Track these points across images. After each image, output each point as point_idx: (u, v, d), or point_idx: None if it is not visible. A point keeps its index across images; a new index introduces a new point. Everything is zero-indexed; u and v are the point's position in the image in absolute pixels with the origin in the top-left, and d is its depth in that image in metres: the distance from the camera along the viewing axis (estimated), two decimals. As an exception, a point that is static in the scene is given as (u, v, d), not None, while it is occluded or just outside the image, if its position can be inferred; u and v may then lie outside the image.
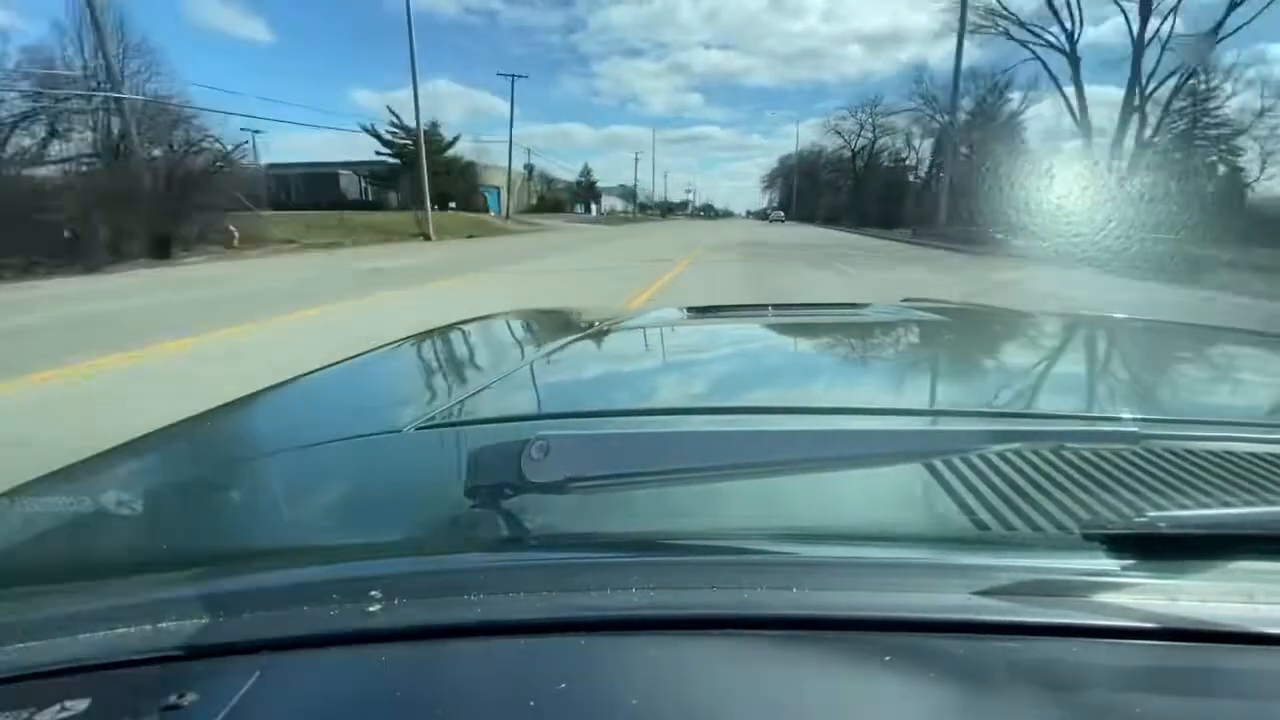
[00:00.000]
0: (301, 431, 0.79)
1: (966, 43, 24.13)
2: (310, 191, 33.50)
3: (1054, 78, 24.75)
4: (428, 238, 22.05)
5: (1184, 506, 0.47)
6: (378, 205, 33.81)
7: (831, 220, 47.24)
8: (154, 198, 13.48)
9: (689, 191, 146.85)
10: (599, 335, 1.26)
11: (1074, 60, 23.36)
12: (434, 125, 41.75)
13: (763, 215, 76.00)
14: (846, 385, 0.97)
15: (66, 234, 11.23)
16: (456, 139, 39.31)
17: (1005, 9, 25.14)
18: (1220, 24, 20.23)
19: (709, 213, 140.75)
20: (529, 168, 56.40)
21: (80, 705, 0.31)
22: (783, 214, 65.09)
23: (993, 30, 25.59)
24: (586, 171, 78.28)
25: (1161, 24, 22.13)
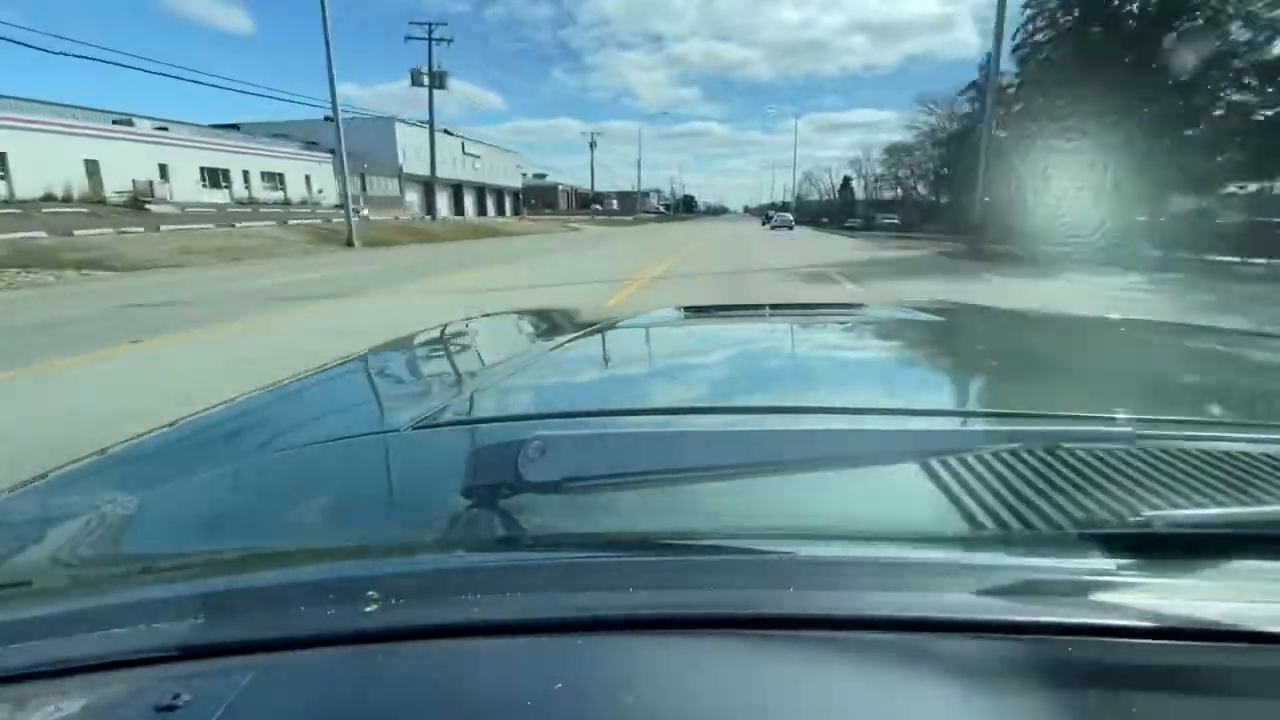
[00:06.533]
0: (298, 431, 0.79)
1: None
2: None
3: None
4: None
5: (1180, 506, 0.47)
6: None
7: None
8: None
9: (637, 163, 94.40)
10: (596, 335, 1.26)
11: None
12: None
13: (764, 215, 66.34)
14: (844, 385, 0.97)
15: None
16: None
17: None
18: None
19: (684, 207, 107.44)
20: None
21: (74, 706, 0.31)
22: (790, 217, 52.16)
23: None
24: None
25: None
